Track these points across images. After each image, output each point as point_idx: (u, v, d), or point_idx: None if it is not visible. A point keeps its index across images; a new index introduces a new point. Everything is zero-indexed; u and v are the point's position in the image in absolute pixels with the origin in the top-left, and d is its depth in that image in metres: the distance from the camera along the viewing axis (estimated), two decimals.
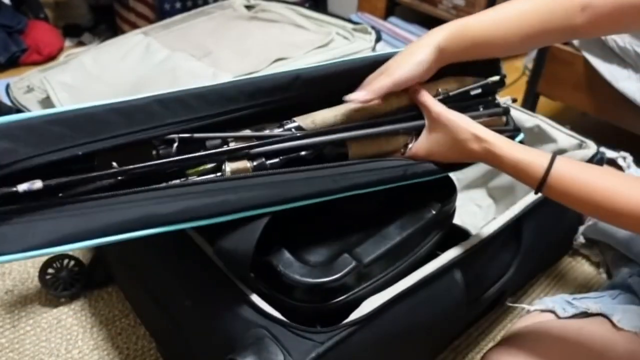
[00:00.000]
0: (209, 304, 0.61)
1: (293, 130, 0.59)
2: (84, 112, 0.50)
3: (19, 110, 0.81)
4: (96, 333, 0.90)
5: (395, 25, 1.90)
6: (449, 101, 0.64)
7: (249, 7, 1.23)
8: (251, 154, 0.56)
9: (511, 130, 0.70)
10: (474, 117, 0.62)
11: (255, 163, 0.56)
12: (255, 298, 0.58)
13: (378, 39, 1.06)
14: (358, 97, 0.59)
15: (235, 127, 0.58)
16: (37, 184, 0.46)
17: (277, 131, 0.59)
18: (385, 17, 2.00)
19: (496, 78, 0.69)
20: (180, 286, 0.66)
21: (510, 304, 0.83)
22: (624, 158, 1.03)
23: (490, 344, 0.89)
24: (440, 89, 0.65)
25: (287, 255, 0.58)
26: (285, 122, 0.59)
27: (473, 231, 0.75)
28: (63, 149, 0.48)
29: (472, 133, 0.58)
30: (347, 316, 0.57)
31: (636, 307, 0.70)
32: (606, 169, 0.55)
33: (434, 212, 0.66)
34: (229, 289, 0.60)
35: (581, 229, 1.06)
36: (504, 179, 1.12)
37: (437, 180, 0.68)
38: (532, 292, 1.02)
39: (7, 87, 0.95)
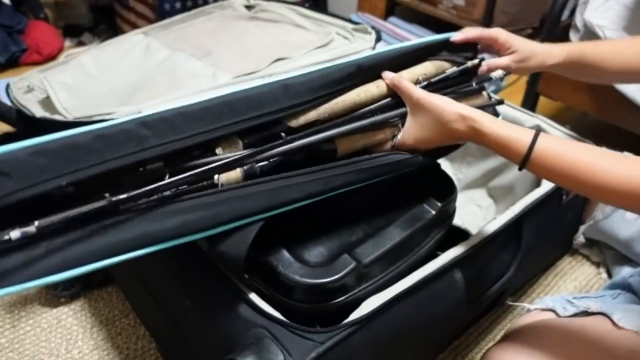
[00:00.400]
0: (209, 304, 0.61)
1: (281, 134, 0.58)
2: (68, 140, 0.48)
3: (19, 110, 0.81)
4: (96, 333, 0.90)
5: (395, 25, 1.90)
6: (431, 87, 0.65)
7: (249, 7, 1.23)
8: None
9: (494, 104, 0.72)
10: (454, 98, 0.63)
11: (245, 167, 0.55)
12: (255, 298, 0.58)
13: (378, 39, 1.05)
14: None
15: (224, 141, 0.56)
16: (31, 229, 0.45)
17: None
18: (385, 17, 2.00)
19: (476, 61, 0.70)
20: (180, 286, 0.66)
21: (511, 303, 0.83)
22: None
23: (491, 344, 0.89)
24: (420, 77, 0.65)
25: (286, 255, 0.58)
26: None
27: (473, 231, 0.75)
28: (47, 180, 0.46)
29: (456, 113, 0.59)
30: (347, 316, 0.57)
31: (637, 306, 0.70)
32: (588, 145, 0.56)
33: (434, 212, 0.66)
34: (229, 289, 0.60)
35: (581, 229, 1.06)
36: (504, 178, 1.12)
37: (437, 180, 0.68)
38: (532, 292, 1.02)
39: (7, 87, 0.94)
